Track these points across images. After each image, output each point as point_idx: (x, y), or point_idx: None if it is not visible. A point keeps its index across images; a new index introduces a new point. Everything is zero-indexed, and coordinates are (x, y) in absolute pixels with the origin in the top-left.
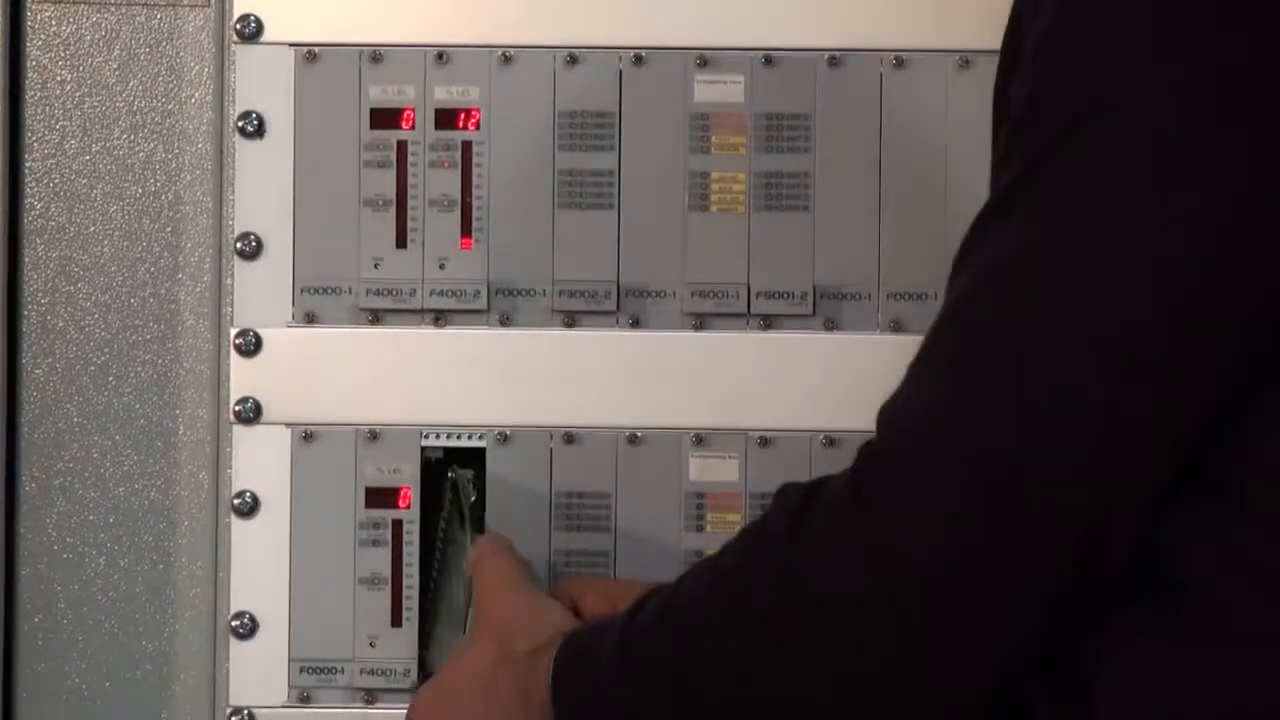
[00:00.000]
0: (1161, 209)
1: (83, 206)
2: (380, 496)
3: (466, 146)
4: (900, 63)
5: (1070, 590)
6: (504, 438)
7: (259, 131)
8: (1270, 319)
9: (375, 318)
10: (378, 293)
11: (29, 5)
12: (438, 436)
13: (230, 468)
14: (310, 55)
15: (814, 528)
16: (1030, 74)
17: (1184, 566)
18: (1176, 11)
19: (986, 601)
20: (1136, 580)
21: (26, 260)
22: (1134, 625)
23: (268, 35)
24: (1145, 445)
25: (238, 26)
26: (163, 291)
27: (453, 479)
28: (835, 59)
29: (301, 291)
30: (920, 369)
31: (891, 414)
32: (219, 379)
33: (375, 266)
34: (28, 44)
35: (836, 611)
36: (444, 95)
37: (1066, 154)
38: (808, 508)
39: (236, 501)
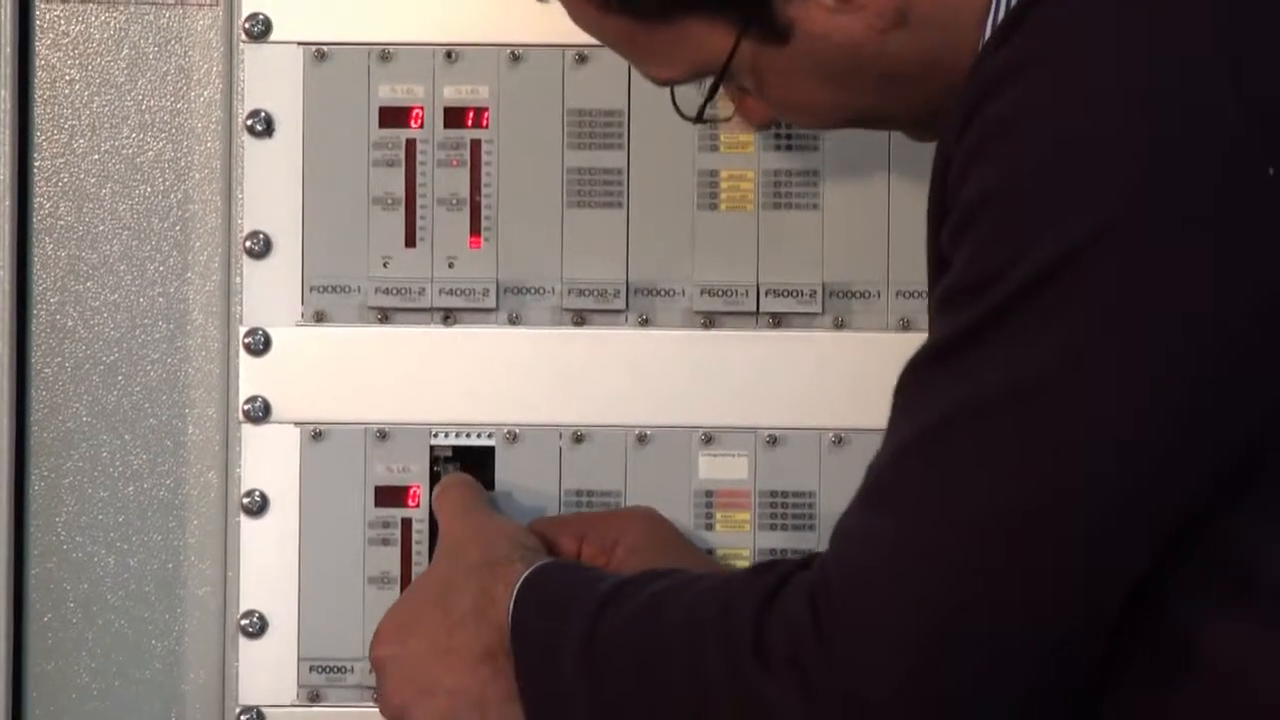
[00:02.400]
0: (1120, 364)
1: (92, 205)
2: (389, 495)
3: (475, 145)
4: None
5: None
6: (513, 437)
7: (268, 130)
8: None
9: (384, 316)
10: (387, 291)
11: (38, 4)
12: (447, 435)
13: (239, 467)
14: (319, 54)
15: (774, 650)
16: (978, 230)
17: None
18: (1128, 169)
19: None
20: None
21: (35, 259)
22: None
23: (276, 34)
24: (1094, 608)
25: (246, 25)
26: (172, 290)
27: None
28: None
29: (310, 290)
30: (875, 506)
31: (847, 549)
32: (228, 378)
33: (384, 265)
34: (37, 43)
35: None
36: (453, 94)
37: (1028, 308)
38: (769, 623)
39: (246, 500)
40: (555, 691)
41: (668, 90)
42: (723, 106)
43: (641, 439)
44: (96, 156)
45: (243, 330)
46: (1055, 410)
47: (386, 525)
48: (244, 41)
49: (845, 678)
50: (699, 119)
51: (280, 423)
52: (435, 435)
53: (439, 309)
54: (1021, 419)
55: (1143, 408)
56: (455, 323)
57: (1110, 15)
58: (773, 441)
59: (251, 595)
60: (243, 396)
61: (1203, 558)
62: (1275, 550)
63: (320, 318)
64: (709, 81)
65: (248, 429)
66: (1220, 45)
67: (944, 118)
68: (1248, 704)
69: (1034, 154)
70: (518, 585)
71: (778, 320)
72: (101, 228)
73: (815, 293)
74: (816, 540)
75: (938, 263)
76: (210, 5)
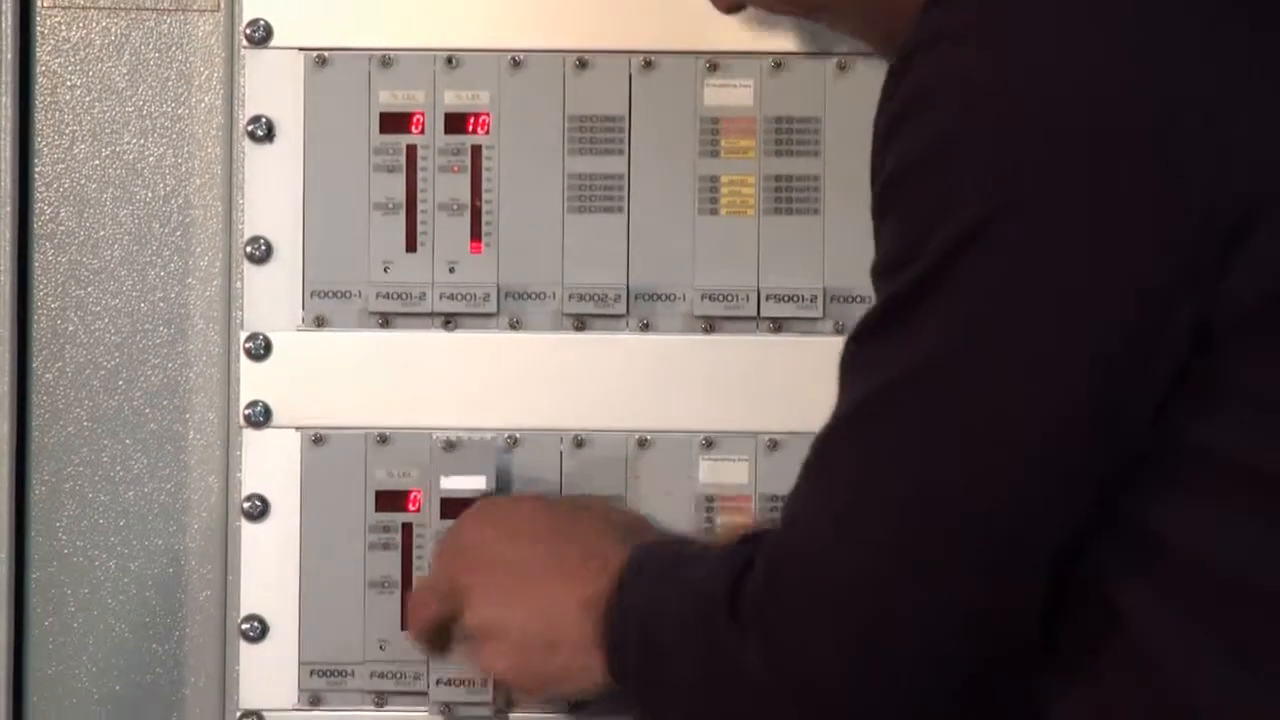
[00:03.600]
0: (1052, 323)
1: (92, 211)
2: (390, 500)
3: (476, 150)
4: None
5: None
6: (514, 441)
7: (269, 136)
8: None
9: (385, 321)
10: (387, 296)
11: (39, 10)
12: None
13: (240, 471)
14: (320, 60)
15: (743, 620)
16: (896, 207)
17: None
18: (1061, 131)
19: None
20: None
21: (36, 265)
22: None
23: (277, 40)
24: (1032, 561)
25: (247, 31)
26: (173, 295)
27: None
28: (844, 63)
29: (311, 295)
30: (809, 481)
31: (784, 525)
32: (229, 383)
33: (385, 270)
34: (38, 49)
35: (764, 691)
36: (454, 99)
37: (954, 272)
38: (741, 590)
39: (246, 505)
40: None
41: (672, 95)
42: None
43: (642, 443)
44: (97, 162)
45: (243, 335)
46: (957, 391)
47: (387, 530)
48: (245, 47)
49: (790, 660)
50: None
51: (281, 427)
52: (436, 440)
53: (440, 314)
54: (929, 400)
55: (1042, 387)
56: (456, 327)
57: None
58: (773, 446)
59: (252, 599)
60: (243, 401)
61: (1121, 534)
62: (1186, 521)
63: (321, 323)
64: None
65: (248, 434)
66: (1137, 37)
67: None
68: (1165, 688)
69: (944, 130)
70: (631, 554)
71: (778, 325)
72: (102, 233)
73: (816, 297)
74: None
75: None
76: (211, 11)
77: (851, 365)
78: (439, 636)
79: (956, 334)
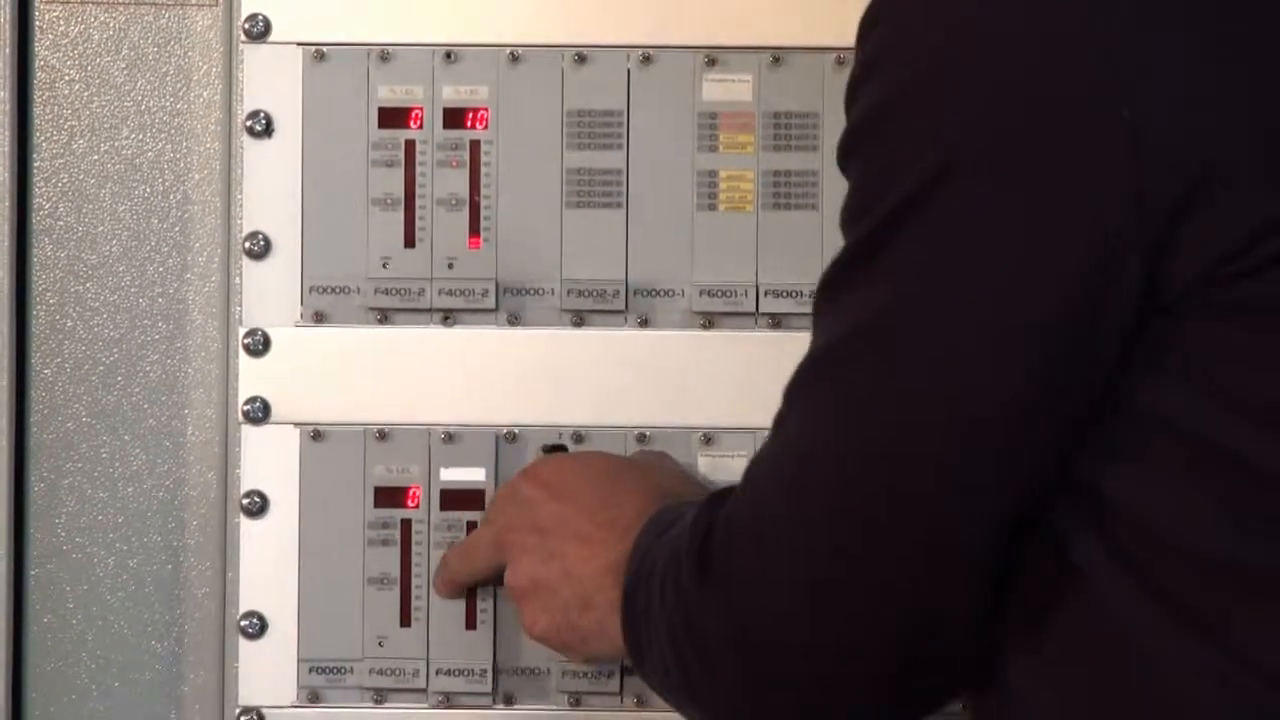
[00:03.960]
0: (1003, 272)
1: (91, 206)
2: (389, 496)
3: (475, 146)
4: None
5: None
6: (512, 437)
7: (267, 131)
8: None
9: (384, 317)
10: (386, 292)
11: (37, 5)
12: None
13: (239, 467)
14: (318, 54)
15: (705, 570)
16: (858, 157)
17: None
18: (1012, 73)
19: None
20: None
21: (35, 260)
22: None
23: (276, 34)
24: (983, 508)
25: (246, 26)
26: (171, 291)
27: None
28: (843, 58)
29: (310, 291)
30: (771, 436)
31: (745, 481)
32: (227, 379)
33: (384, 266)
34: (36, 44)
35: (722, 648)
36: (452, 94)
37: (908, 220)
38: (706, 546)
39: (245, 501)
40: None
41: (670, 90)
42: None
43: (641, 440)
44: (96, 157)
45: (242, 331)
46: (899, 349)
47: (386, 526)
48: (243, 42)
49: (743, 616)
50: None
51: (280, 423)
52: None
53: (438, 309)
54: (875, 355)
55: (991, 345)
56: (455, 323)
57: None
58: None
59: (251, 596)
60: (242, 397)
61: (1075, 494)
62: (1128, 483)
63: (320, 318)
64: None
65: (247, 430)
66: None
67: None
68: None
69: (902, 82)
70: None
71: (777, 321)
72: (101, 228)
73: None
74: None
75: None
76: (209, 6)
77: (815, 315)
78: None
79: (907, 290)
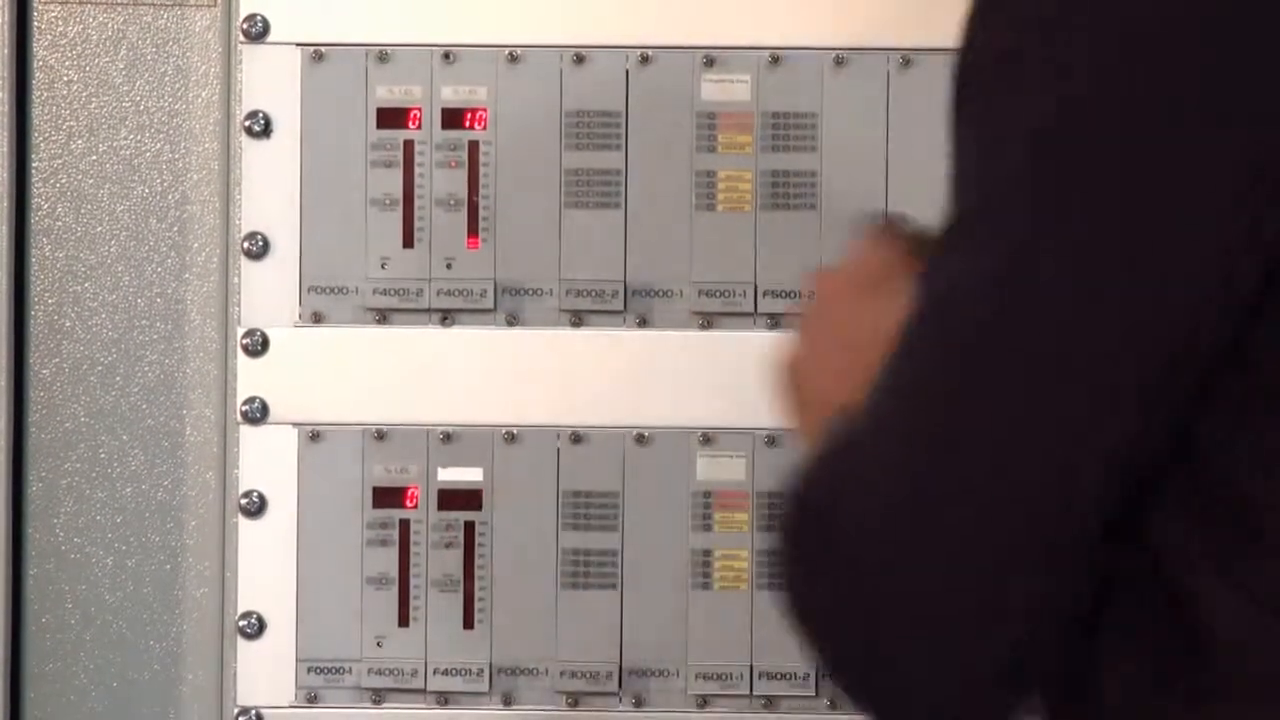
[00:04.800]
0: (1126, 244)
1: (89, 206)
2: (387, 496)
3: (473, 146)
4: (907, 62)
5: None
6: (511, 437)
7: (266, 131)
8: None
9: (382, 317)
10: (385, 292)
11: (36, 5)
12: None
13: (237, 468)
14: (317, 55)
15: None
16: (975, 100)
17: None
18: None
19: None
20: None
21: (33, 260)
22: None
23: (274, 35)
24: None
25: (244, 26)
26: (169, 291)
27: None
28: (841, 58)
29: (308, 291)
30: (874, 389)
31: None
32: (226, 379)
33: (382, 266)
34: (34, 44)
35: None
36: (451, 95)
37: (1023, 187)
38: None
39: (244, 501)
40: None
41: (669, 90)
42: None
43: (640, 440)
44: (94, 157)
45: (240, 331)
46: (1018, 305)
47: (384, 526)
48: (242, 42)
49: (842, 547)
50: None
51: (278, 423)
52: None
53: (437, 310)
54: (997, 309)
55: (1115, 296)
56: (453, 323)
57: None
58: (771, 442)
59: (249, 596)
60: (240, 397)
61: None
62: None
63: (318, 318)
64: None
65: (245, 430)
66: None
67: None
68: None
69: (1021, 21)
70: None
71: (775, 321)
72: (99, 229)
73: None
74: None
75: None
76: (208, 6)
77: (926, 273)
78: None
79: (1037, 245)
